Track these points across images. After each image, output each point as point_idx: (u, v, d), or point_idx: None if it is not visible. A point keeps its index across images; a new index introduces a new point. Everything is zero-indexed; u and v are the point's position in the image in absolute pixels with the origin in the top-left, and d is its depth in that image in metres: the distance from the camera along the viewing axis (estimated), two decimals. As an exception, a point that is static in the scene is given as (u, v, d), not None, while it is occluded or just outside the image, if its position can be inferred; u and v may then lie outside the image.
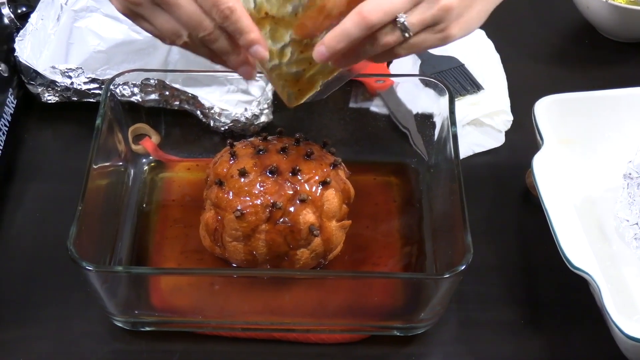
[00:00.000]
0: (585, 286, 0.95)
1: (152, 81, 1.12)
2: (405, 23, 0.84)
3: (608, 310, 0.90)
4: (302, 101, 0.96)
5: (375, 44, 0.85)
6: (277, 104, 1.16)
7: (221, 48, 0.87)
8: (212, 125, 1.15)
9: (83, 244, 0.92)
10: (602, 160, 1.10)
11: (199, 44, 0.87)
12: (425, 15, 0.84)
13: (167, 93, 1.14)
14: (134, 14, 0.88)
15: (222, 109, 1.15)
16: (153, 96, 1.14)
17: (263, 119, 1.16)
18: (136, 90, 1.12)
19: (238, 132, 1.15)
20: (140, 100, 1.12)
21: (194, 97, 1.14)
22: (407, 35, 0.85)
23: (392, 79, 1.16)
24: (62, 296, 1.02)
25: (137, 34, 1.18)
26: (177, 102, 1.15)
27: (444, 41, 0.88)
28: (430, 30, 0.86)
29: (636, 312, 0.98)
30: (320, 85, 0.95)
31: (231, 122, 1.15)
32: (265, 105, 1.16)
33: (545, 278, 1.05)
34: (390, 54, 0.88)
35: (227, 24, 0.85)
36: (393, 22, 0.84)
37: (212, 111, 1.15)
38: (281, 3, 0.87)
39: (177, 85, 1.14)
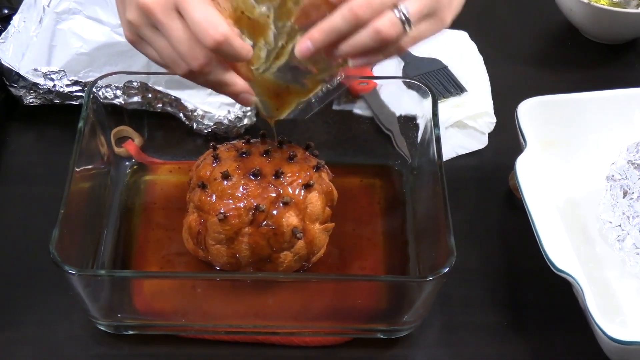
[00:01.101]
0: (568, 288, 0.95)
1: (134, 83, 1.12)
2: (407, 15, 0.84)
3: (591, 313, 0.90)
4: (282, 116, 0.96)
5: (378, 40, 0.85)
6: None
7: (215, 81, 0.88)
8: (195, 127, 1.15)
9: (65, 248, 0.91)
10: (585, 162, 1.10)
11: (197, 74, 0.87)
12: (422, 5, 0.85)
13: (150, 95, 1.13)
14: (138, 39, 0.87)
15: (205, 112, 1.14)
16: (136, 98, 1.13)
17: (246, 121, 1.15)
18: (119, 92, 1.12)
19: (221, 134, 1.15)
20: (122, 102, 1.12)
21: (177, 100, 1.14)
22: (408, 27, 0.85)
23: (376, 81, 1.16)
24: (45, 300, 1.01)
25: (119, 36, 1.18)
26: (160, 105, 1.14)
27: (440, 28, 0.89)
28: (428, 19, 0.87)
29: (619, 314, 0.98)
30: (300, 104, 0.95)
31: (214, 125, 1.14)
32: (249, 108, 1.15)
33: (528, 280, 1.05)
34: (394, 49, 0.88)
35: (220, 52, 0.84)
36: (393, 15, 0.84)
37: (195, 113, 1.14)
38: (254, 4, 0.86)
39: (159, 88, 1.13)
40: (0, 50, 1.18)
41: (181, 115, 1.15)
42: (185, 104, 1.14)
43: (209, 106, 1.15)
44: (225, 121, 1.14)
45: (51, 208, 0.95)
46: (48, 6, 1.18)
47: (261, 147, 1.00)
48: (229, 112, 1.15)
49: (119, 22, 1.17)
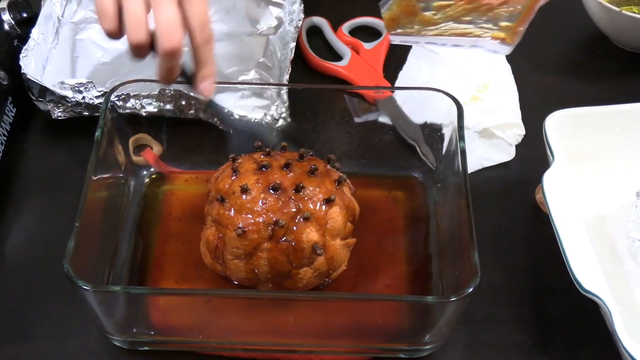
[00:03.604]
0: (596, 307, 0.92)
1: (167, 91, 1.10)
2: None
3: (619, 336, 0.88)
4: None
5: None
6: (292, 106, 1.13)
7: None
8: (231, 132, 1.12)
9: (80, 260, 0.89)
10: (614, 177, 1.07)
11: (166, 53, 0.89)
12: None
13: (184, 102, 1.11)
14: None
15: (241, 115, 1.12)
16: (168, 106, 1.11)
17: (281, 122, 1.13)
18: (146, 101, 1.10)
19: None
20: (155, 110, 1.10)
21: (212, 105, 1.11)
22: None
23: (401, 91, 1.15)
24: (60, 313, 1.00)
25: (138, 43, 1.16)
26: (192, 111, 1.12)
27: None
28: None
29: (648, 334, 0.96)
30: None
31: None
32: (283, 109, 1.13)
33: (555, 298, 1.03)
34: None
35: (206, 48, 0.90)
36: None
37: (232, 118, 1.12)
38: None
39: (193, 94, 1.11)
40: (23, 64, 1.15)
41: (216, 120, 1.12)
42: (221, 108, 1.11)
43: (242, 110, 1.13)
44: (263, 123, 1.12)
45: (68, 217, 0.93)
46: (62, 16, 1.16)
47: (281, 160, 0.98)
48: (265, 114, 1.12)
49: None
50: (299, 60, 1.27)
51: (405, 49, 1.27)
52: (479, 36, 0.99)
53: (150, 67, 1.17)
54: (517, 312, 1.02)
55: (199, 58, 0.92)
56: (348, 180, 1.01)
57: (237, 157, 1.00)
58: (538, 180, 1.01)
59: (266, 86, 1.16)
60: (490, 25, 0.99)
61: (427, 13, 0.97)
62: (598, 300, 0.90)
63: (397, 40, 1.00)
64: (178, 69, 0.91)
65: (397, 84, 1.23)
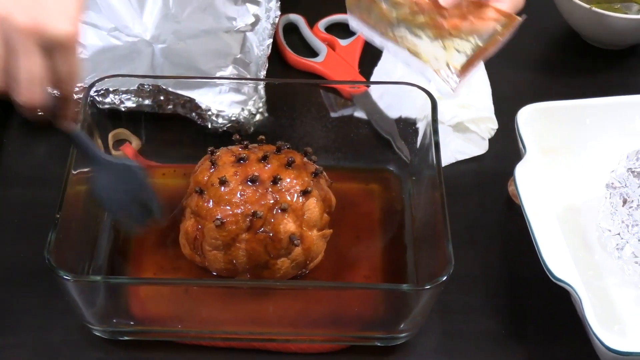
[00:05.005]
0: (568, 296, 0.94)
1: (146, 86, 1.11)
2: None
3: (589, 323, 0.90)
4: None
5: None
6: (270, 101, 1.14)
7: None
8: (210, 127, 1.14)
9: (61, 252, 0.91)
10: (584, 169, 1.09)
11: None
12: None
13: (162, 98, 1.13)
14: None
15: (219, 110, 1.13)
16: (147, 102, 1.12)
17: (258, 117, 1.14)
18: (125, 96, 1.11)
19: (234, 132, 1.13)
20: (134, 106, 1.12)
21: (191, 100, 1.13)
22: None
23: (377, 85, 1.16)
24: (41, 304, 1.01)
25: (116, 40, 1.18)
26: (171, 107, 1.14)
27: None
28: None
29: (618, 322, 0.98)
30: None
31: (229, 123, 1.13)
32: (261, 104, 1.14)
33: (527, 287, 1.05)
34: None
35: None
36: None
37: (209, 113, 1.13)
38: None
39: (171, 89, 1.12)
40: None
41: (194, 115, 1.14)
42: (200, 104, 1.13)
43: (220, 105, 1.14)
44: (241, 118, 1.13)
45: (48, 211, 0.95)
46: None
47: (259, 153, 1.00)
48: (242, 109, 1.13)
49: (113, 26, 1.18)
50: (276, 56, 1.29)
51: (381, 46, 1.29)
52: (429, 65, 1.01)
53: (130, 63, 1.19)
54: (490, 301, 1.04)
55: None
56: (324, 173, 1.03)
57: (215, 150, 1.02)
58: (511, 173, 1.03)
59: (244, 81, 1.18)
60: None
61: (384, 5, 0.98)
62: (569, 288, 0.92)
63: (353, 24, 1.02)
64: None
65: (372, 80, 1.25)
